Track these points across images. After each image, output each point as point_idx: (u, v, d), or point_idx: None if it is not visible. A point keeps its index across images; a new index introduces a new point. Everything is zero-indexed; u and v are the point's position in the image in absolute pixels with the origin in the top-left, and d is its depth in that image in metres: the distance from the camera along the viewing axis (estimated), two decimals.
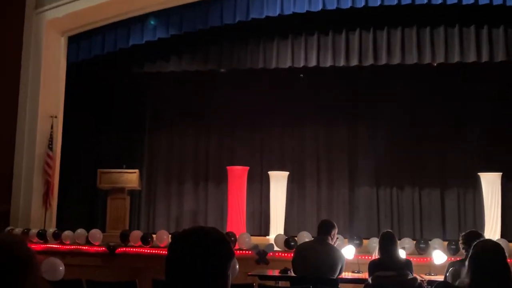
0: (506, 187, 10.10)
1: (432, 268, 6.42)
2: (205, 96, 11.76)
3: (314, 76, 10.89)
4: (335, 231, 4.77)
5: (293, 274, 5.04)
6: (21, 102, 9.59)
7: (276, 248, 7.77)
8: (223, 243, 1.65)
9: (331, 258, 4.60)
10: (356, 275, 5.89)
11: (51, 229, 8.82)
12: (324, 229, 4.76)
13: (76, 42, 10.08)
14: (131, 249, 8.15)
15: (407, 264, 4.62)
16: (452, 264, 4.62)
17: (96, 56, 10.05)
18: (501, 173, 9.81)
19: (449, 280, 4.18)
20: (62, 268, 5.55)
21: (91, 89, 11.33)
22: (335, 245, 4.90)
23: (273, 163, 11.33)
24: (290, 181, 10.77)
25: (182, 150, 11.88)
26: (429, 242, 7.63)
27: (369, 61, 9.32)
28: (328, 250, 4.68)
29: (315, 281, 4.56)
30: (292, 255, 5.18)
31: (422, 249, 7.50)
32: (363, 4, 8.91)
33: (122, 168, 9.85)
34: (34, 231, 8.66)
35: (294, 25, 9.62)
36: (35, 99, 9.55)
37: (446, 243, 7.64)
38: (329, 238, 4.71)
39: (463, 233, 4.59)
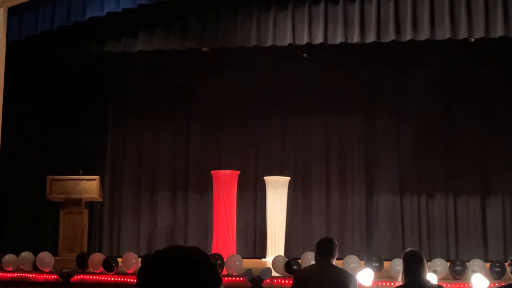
0: None
1: None
2: (184, 82, 11.77)
3: (321, 56, 10.92)
4: (337, 249, 4.85)
5: None
6: None
7: (274, 274, 7.79)
8: (207, 265, 1.64)
9: (343, 284, 4.61)
10: None
11: None
12: (327, 250, 4.80)
13: (18, 14, 10.01)
14: (91, 277, 8.14)
15: None
16: None
17: (44, 33, 9.99)
18: None
19: None
20: None
21: (38, 74, 11.30)
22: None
23: (270, 166, 11.38)
24: (292, 189, 10.83)
25: (155, 151, 11.90)
26: (467, 263, 7.68)
27: (390, 36, 9.33)
28: (338, 274, 4.70)
29: None
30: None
31: (458, 272, 7.55)
32: None
33: (79, 174, 9.83)
34: None
35: None
36: None
37: (488, 264, 7.70)
38: (333, 259, 4.77)
39: None
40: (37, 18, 9.96)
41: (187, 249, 1.67)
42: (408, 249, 4.83)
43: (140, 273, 1.66)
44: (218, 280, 1.65)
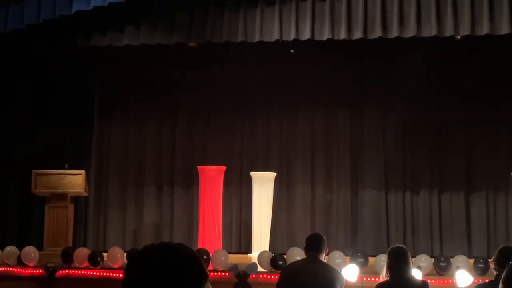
0: None
1: None
2: (170, 77, 11.74)
3: (307, 52, 10.92)
4: (326, 245, 4.89)
5: None
6: None
7: (260, 269, 7.82)
8: (193, 261, 1.66)
9: (329, 280, 4.65)
10: None
11: None
12: (315, 245, 4.83)
13: (3, 7, 9.95)
14: (76, 272, 8.14)
15: (423, 287, 4.67)
16: (479, 287, 4.70)
17: (30, 26, 9.93)
18: None
19: None
20: None
21: (23, 68, 11.22)
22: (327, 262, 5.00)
23: (256, 162, 11.38)
24: (278, 184, 10.83)
25: (141, 146, 11.85)
26: (451, 259, 7.74)
27: (377, 33, 9.37)
28: (324, 270, 4.73)
29: None
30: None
31: (442, 268, 7.60)
32: None
33: (64, 169, 9.79)
34: None
35: None
36: None
37: (472, 260, 7.76)
38: (323, 255, 4.81)
39: (499, 248, 4.68)
40: (22, 10, 9.89)
41: (173, 245, 1.69)
42: (394, 246, 4.87)
43: (127, 269, 1.67)
44: (204, 275, 1.67)
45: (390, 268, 4.66)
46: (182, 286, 1.61)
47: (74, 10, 9.64)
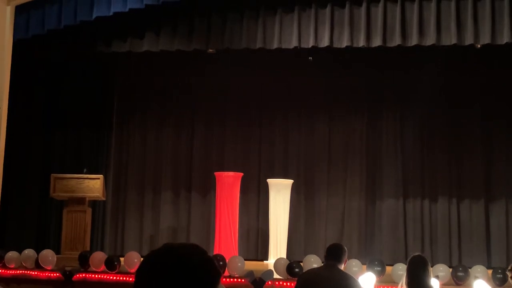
0: None
1: None
2: (189, 83, 11.79)
3: (326, 59, 10.91)
4: (346, 256, 4.87)
5: None
6: None
7: (276, 276, 7.80)
8: (206, 262, 1.66)
9: (346, 287, 4.61)
10: None
11: None
12: (335, 255, 4.81)
13: (26, 12, 10.02)
14: (93, 276, 8.18)
15: None
16: None
17: (51, 31, 10.02)
18: None
19: None
20: None
21: (43, 72, 11.32)
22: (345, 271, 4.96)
23: (273, 169, 11.37)
24: (295, 191, 10.81)
25: (159, 151, 11.89)
26: (469, 269, 7.67)
27: (396, 41, 9.34)
28: (340, 278, 4.69)
29: None
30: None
31: (460, 278, 7.54)
32: None
33: (82, 173, 9.85)
34: None
35: None
36: None
37: (490, 271, 7.69)
38: (341, 265, 4.78)
39: None
40: (44, 16, 9.98)
41: (183, 246, 1.68)
42: (415, 254, 4.83)
43: (138, 271, 1.66)
44: (217, 274, 1.66)
45: (408, 277, 4.62)
46: (197, 285, 1.61)
47: (94, 15, 9.72)
